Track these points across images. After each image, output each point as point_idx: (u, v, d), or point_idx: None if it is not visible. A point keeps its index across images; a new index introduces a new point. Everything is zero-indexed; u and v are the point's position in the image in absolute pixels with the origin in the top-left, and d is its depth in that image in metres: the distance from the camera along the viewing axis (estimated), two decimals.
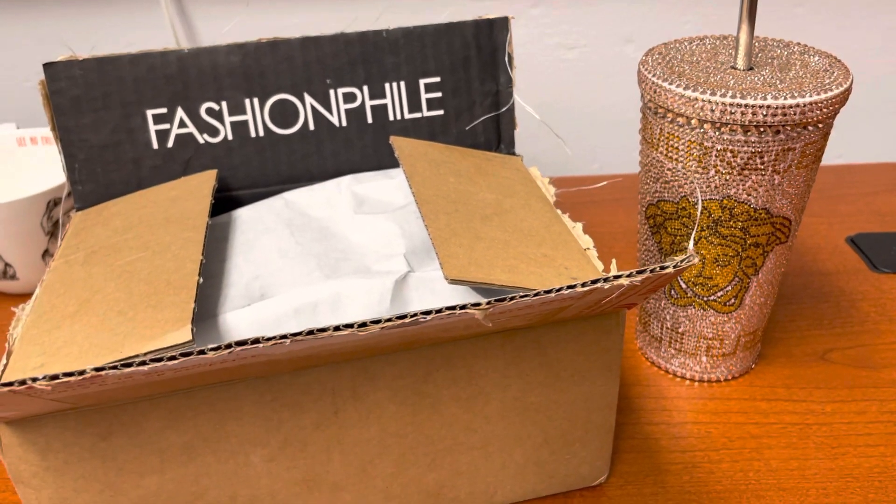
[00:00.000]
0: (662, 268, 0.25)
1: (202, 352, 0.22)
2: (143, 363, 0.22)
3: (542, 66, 0.68)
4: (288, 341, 0.23)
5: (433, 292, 0.34)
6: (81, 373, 0.22)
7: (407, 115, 0.42)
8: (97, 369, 0.22)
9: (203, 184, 0.38)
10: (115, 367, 0.22)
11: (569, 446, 0.35)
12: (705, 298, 0.41)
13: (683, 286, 0.41)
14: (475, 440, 0.34)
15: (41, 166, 0.57)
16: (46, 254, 0.51)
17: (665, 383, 0.44)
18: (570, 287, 0.25)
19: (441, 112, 0.42)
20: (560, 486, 0.37)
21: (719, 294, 0.40)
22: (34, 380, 0.21)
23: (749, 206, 0.37)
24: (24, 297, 0.54)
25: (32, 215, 0.49)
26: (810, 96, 0.35)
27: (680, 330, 0.43)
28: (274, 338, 0.23)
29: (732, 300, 0.41)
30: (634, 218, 0.60)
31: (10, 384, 0.21)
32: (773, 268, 0.40)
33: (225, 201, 0.41)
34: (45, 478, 0.29)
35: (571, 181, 0.67)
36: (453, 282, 0.30)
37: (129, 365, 0.22)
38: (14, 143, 0.57)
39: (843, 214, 0.59)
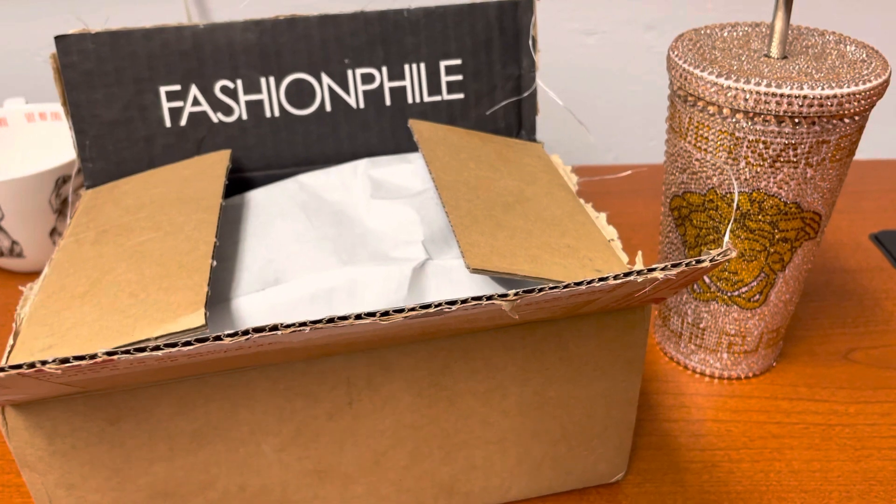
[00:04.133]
0: (699, 261, 0.24)
1: (218, 338, 0.21)
2: (157, 348, 0.21)
3: (560, 52, 0.67)
4: (307, 329, 0.22)
5: (451, 281, 0.33)
6: (92, 357, 0.21)
7: (426, 98, 0.41)
8: (109, 353, 0.21)
9: (216, 164, 0.37)
10: (127, 352, 0.21)
11: (587, 443, 0.34)
12: (729, 294, 0.40)
13: (707, 281, 0.40)
14: (491, 434, 0.33)
15: (50, 142, 0.56)
16: (54, 232, 0.50)
17: (684, 379, 0.43)
18: (601, 280, 0.24)
19: (461, 95, 0.41)
20: (576, 483, 0.36)
21: (744, 289, 0.39)
22: (43, 363, 0.21)
23: (779, 199, 0.36)
24: (31, 275, 0.53)
25: (41, 192, 0.48)
26: (848, 87, 0.33)
27: (701, 325, 0.42)
28: (293, 325, 0.22)
29: (757, 296, 0.40)
30: (653, 209, 0.58)
31: (19, 367, 0.21)
32: (801, 264, 0.39)
33: (238, 182, 0.40)
34: (52, 462, 0.28)
35: (586, 170, 0.66)
36: (475, 271, 0.29)
37: (142, 350, 0.21)
38: (23, 118, 0.56)
39: (867, 211, 0.58)
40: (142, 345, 0.21)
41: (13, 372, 0.21)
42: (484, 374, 0.31)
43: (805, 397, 0.42)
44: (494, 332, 0.30)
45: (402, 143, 0.41)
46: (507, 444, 0.33)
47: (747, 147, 0.35)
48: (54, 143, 0.56)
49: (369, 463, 0.32)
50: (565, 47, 0.67)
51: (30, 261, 0.51)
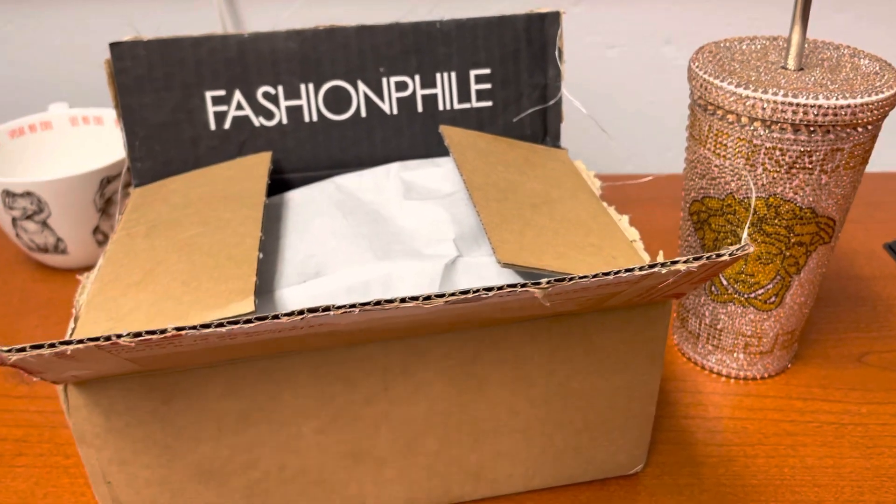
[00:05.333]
0: (718, 255, 0.26)
1: (276, 317, 0.23)
2: (221, 325, 0.23)
3: (581, 64, 0.69)
4: (356, 310, 0.24)
5: (481, 278, 0.35)
6: (163, 331, 0.23)
7: (456, 105, 0.43)
8: (178, 328, 0.23)
9: (258, 165, 0.39)
10: (194, 328, 0.23)
11: (608, 434, 0.36)
12: (746, 296, 0.41)
13: (724, 283, 0.42)
14: (517, 423, 0.35)
15: (93, 145, 0.59)
16: (97, 230, 0.53)
17: (701, 379, 0.45)
18: (627, 270, 0.25)
19: (490, 103, 0.43)
20: (597, 473, 0.37)
21: (760, 292, 0.41)
22: (119, 336, 0.23)
23: (795, 204, 0.38)
24: (73, 271, 0.55)
25: (86, 192, 0.51)
26: (861, 97, 0.35)
27: (718, 326, 0.43)
28: (344, 306, 0.24)
29: (773, 298, 0.41)
30: (671, 216, 0.60)
31: (97, 339, 0.23)
32: (815, 268, 0.41)
33: (277, 183, 0.42)
34: (107, 439, 0.30)
35: (606, 178, 0.67)
36: (506, 265, 0.30)
37: (208, 326, 0.23)
38: (67, 122, 0.58)
39: (881, 221, 0.59)
40: (207, 323, 0.23)
41: (91, 344, 0.23)
42: (512, 364, 0.33)
43: (819, 397, 0.43)
44: (523, 324, 0.32)
45: (433, 148, 0.43)
46: (532, 432, 0.35)
47: (764, 154, 0.37)
48: (96, 147, 0.59)
49: (402, 447, 0.34)
50: (587, 59, 0.69)
51: (73, 257, 0.54)
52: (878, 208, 0.61)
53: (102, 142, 0.59)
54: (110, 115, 0.58)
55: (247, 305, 0.29)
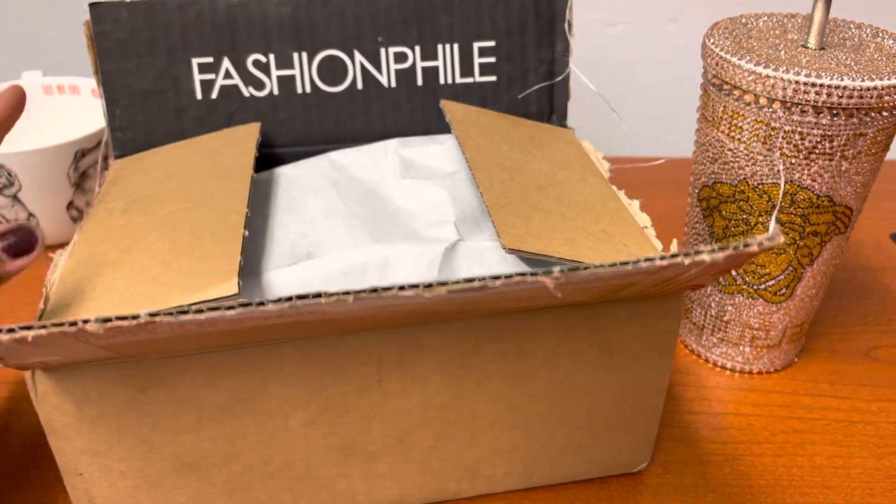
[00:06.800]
0: (746, 245, 0.24)
1: (262, 303, 0.21)
2: (200, 311, 0.21)
3: (579, 42, 0.66)
4: (351, 298, 0.22)
5: (483, 263, 0.32)
6: (135, 317, 0.20)
7: (458, 80, 0.40)
8: (152, 314, 0.20)
9: (247, 136, 0.37)
10: (170, 314, 0.20)
11: (612, 431, 0.34)
12: (755, 287, 0.39)
13: (734, 273, 0.40)
14: (517, 418, 0.33)
15: (68, 116, 0.56)
16: (71, 206, 0.50)
17: (704, 372, 0.43)
18: (647, 260, 0.23)
19: (494, 78, 0.41)
20: (599, 471, 0.36)
21: (771, 283, 0.39)
22: (85, 322, 0.20)
23: (812, 192, 0.36)
24: (45, 248, 0.52)
25: (59, 165, 0.48)
26: (888, 79, 0.33)
27: (725, 318, 0.41)
28: (336, 293, 0.22)
29: (784, 290, 0.39)
30: (673, 202, 0.58)
31: (61, 324, 0.20)
32: (829, 259, 0.39)
33: (267, 158, 0.40)
34: (79, 429, 0.28)
35: (610, 161, 0.65)
36: (511, 251, 0.28)
37: (185, 312, 0.21)
38: (40, 90, 0.55)
39: (887, 211, 0.58)
40: (184, 308, 0.21)
41: (56, 330, 0.20)
42: (515, 357, 0.31)
43: (827, 394, 0.41)
44: (527, 314, 0.30)
45: (433, 124, 0.41)
46: (532, 428, 0.33)
47: (783, 138, 0.35)
48: (72, 118, 0.56)
49: (395, 442, 0.32)
50: (586, 37, 0.66)
51: (45, 234, 0.51)
52: (884, 197, 0.60)
53: (78, 113, 0.56)
54: (87, 84, 0.55)
55: (230, 288, 0.26)
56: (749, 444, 0.38)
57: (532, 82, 0.41)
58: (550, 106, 0.42)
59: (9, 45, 0.67)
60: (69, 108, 0.56)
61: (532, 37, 0.40)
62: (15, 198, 0.48)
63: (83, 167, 0.49)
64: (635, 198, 0.36)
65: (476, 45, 0.40)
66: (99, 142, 0.49)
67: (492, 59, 0.40)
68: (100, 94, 0.38)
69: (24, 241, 0.27)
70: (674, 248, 0.31)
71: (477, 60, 0.40)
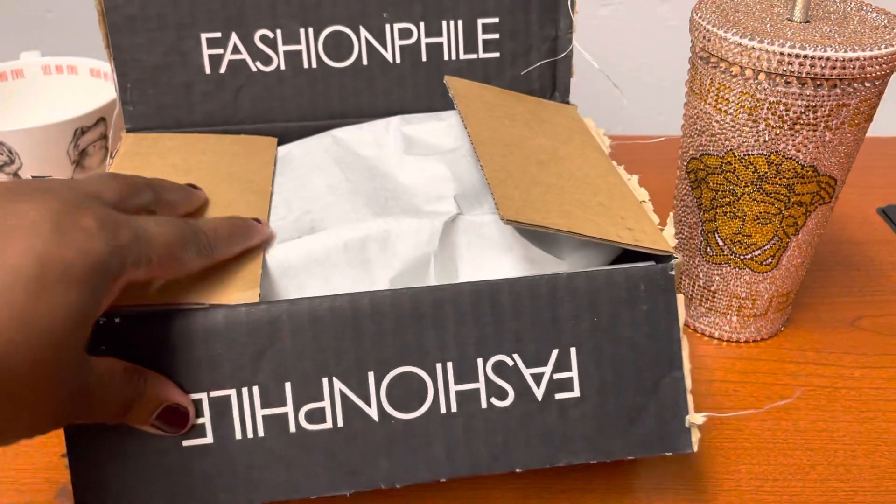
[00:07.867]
0: None
1: None
2: None
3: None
4: None
5: (481, 237, 0.33)
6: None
7: (462, 56, 0.41)
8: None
9: (265, 149, 0.38)
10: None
11: None
12: (742, 256, 0.40)
13: (721, 243, 0.41)
14: None
15: (66, 96, 0.56)
16: None
17: (693, 341, 0.44)
18: None
19: (497, 55, 0.41)
20: None
21: (757, 253, 0.40)
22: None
23: (797, 162, 0.37)
24: None
25: (59, 143, 0.48)
26: (870, 51, 0.34)
27: (712, 288, 0.42)
28: None
29: (770, 259, 0.40)
30: (663, 180, 0.59)
31: None
32: (814, 228, 0.40)
33: (273, 132, 0.41)
34: None
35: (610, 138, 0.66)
36: (509, 222, 0.29)
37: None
38: (39, 70, 0.56)
39: (875, 186, 0.59)
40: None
41: None
42: None
43: (812, 361, 0.42)
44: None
45: (437, 100, 0.41)
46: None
47: (768, 109, 0.36)
48: (70, 97, 0.56)
49: None
50: (577, 17, 0.67)
51: None
52: (872, 172, 0.60)
53: (76, 92, 0.56)
54: (85, 64, 0.56)
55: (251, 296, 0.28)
56: (735, 409, 0.39)
57: (535, 59, 0.41)
58: (553, 83, 0.43)
59: (8, 26, 0.68)
60: (68, 88, 0.56)
61: (536, 14, 0.41)
62: (16, 175, 0.49)
63: (83, 145, 0.50)
64: (634, 173, 0.36)
65: (480, 22, 0.41)
66: (98, 119, 0.50)
67: (495, 36, 0.41)
68: (111, 68, 0.39)
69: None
70: (670, 221, 0.32)
71: (481, 37, 0.41)
